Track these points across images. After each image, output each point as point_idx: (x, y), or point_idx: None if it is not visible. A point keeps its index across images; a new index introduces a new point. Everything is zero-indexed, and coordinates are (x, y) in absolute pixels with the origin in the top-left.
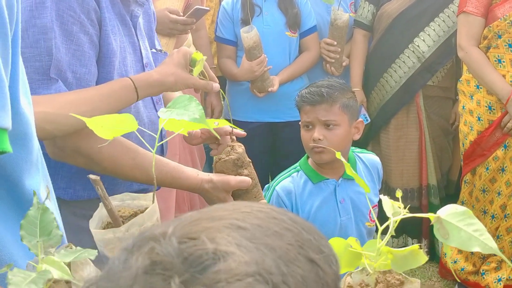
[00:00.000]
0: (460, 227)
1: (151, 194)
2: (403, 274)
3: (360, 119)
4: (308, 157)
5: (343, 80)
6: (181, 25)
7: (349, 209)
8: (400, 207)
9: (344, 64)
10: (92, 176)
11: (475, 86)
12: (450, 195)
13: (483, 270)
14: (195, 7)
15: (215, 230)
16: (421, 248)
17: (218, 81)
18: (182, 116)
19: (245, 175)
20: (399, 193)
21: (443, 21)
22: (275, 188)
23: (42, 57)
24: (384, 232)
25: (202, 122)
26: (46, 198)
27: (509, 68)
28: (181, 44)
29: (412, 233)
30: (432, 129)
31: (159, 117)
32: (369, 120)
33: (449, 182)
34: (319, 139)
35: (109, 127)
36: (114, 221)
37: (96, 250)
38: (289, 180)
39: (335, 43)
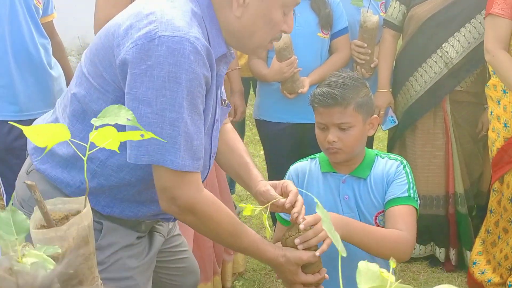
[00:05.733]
0: None
1: (82, 197)
2: None
3: (374, 115)
4: None
5: (359, 77)
6: None
7: (354, 207)
8: (387, 278)
9: (372, 65)
10: (28, 182)
11: (501, 90)
12: (482, 206)
13: (509, 282)
14: None
15: None
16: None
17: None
18: (116, 121)
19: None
20: (393, 264)
21: (474, 27)
22: (289, 167)
23: (164, 125)
24: None
25: (134, 124)
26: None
27: None
28: None
29: (440, 241)
30: (460, 136)
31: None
32: (397, 122)
33: (480, 192)
34: (334, 141)
35: (43, 136)
36: (48, 223)
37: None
38: (303, 163)
39: (365, 45)
